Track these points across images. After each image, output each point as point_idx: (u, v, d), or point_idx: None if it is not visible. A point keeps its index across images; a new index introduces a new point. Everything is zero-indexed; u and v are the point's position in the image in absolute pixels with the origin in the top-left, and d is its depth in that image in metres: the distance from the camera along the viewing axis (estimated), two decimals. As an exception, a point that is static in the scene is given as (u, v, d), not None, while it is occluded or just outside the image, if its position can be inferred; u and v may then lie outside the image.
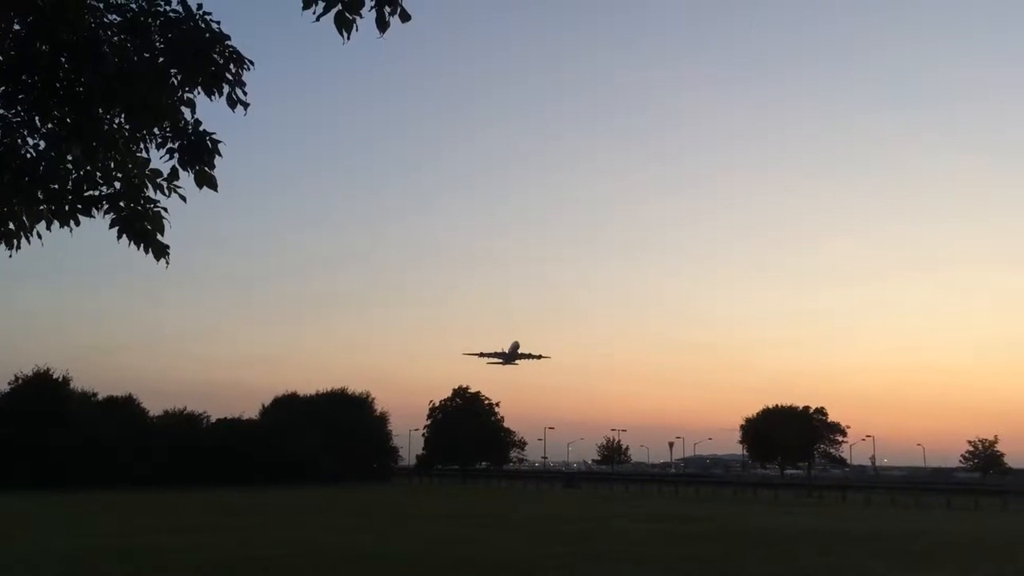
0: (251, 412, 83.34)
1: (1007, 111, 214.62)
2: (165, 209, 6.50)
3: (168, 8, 6.59)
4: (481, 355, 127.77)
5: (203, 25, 6.53)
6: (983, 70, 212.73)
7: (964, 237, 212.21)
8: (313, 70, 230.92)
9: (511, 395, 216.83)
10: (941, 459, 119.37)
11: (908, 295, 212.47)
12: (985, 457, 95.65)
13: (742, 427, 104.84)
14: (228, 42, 6.60)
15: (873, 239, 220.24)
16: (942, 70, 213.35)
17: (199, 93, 6.62)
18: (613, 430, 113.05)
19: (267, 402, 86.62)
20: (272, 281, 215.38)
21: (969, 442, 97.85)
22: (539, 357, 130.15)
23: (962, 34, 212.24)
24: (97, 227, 6.43)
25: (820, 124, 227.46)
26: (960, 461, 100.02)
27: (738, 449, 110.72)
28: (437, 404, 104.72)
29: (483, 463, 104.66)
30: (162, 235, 6.50)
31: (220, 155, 6.62)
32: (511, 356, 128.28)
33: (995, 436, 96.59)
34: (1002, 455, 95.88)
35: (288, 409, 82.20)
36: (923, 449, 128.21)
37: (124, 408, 70.76)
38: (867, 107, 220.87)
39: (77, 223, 6.41)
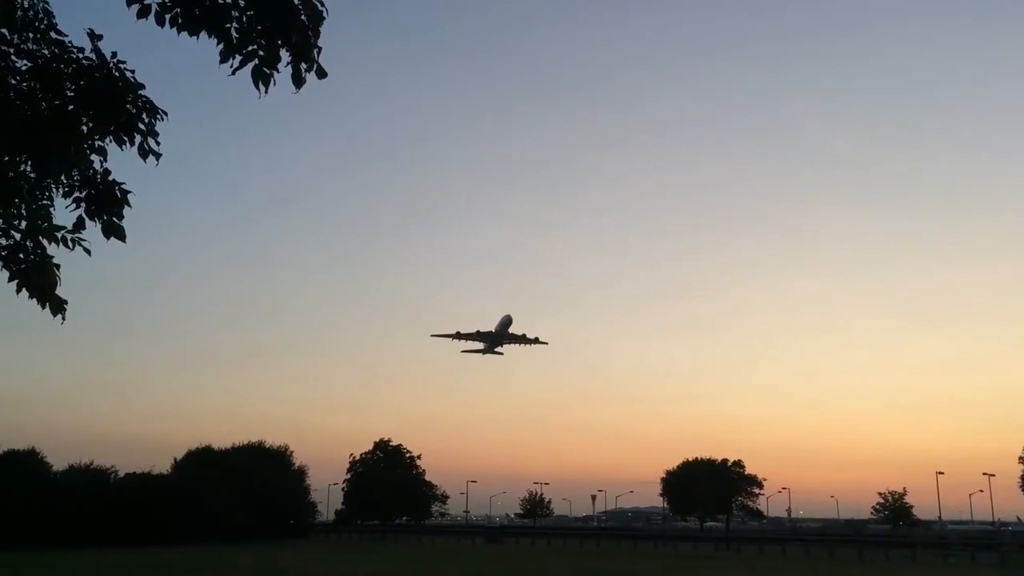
0: (162, 466, 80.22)
1: (910, 174, 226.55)
2: (58, 266, 6.31)
3: (82, 56, 6.50)
4: (457, 336, 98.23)
5: (116, 74, 6.44)
6: (883, 136, 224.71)
7: (870, 296, 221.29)
8: (233, 120, 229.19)
9: (433, 448, 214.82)
10: (854, 511, 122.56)
11: (818, 350, 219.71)
12: (895, 509, 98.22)
13: (663, 480, 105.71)
14: (142, 91, 6.52)
15: (786, 297, 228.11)
16: (841, 135, 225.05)
17: (110, 142, 6.51)
18: (536, 483, 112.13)
19: (180, 456, 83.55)
20: (186, 331, 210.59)
21: (879, 494, 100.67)
22: (535, 341, 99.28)
23: (862, 100, 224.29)
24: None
25: (742, 182, 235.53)
26: (872, 513, 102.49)
27: (659, 502, 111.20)
28: (358, 457, 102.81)
29: (404, 518, 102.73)
30: (55, 290, 6.29)
31: (129, 205, 6.49)
32: (498, 338, 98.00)
33: (904, 488, 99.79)
34: (911, 507, 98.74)
35: (202, 463, 79.20)
36: (836, 501, 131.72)
37: (25, 462, 67.22)
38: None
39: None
